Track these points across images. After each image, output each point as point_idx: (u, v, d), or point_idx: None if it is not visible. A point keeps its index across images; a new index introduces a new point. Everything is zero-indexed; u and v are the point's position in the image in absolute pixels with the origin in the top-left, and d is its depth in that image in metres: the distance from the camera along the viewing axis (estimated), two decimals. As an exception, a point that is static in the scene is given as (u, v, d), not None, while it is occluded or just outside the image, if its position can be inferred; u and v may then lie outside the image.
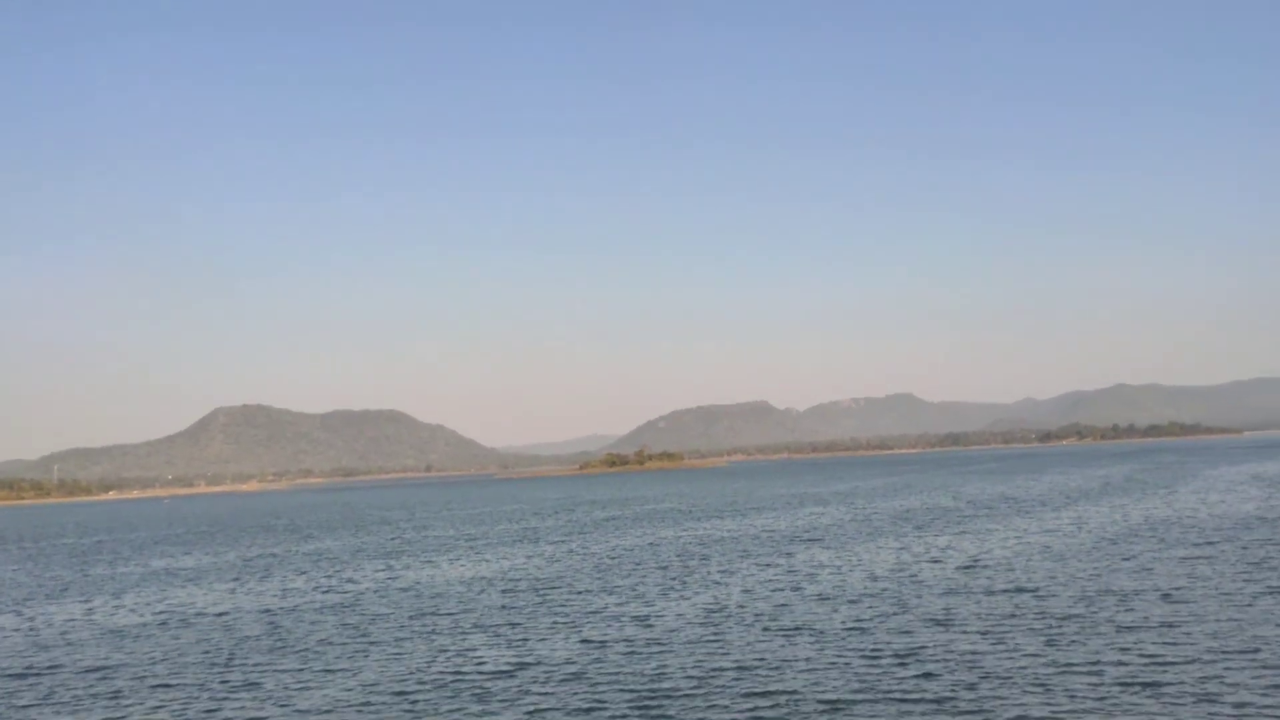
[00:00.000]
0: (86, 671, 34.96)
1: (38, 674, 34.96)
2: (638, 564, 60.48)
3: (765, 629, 36.14)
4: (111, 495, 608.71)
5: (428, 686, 29.98)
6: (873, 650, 31.39)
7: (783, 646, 32.81)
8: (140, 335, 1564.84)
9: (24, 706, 30.18)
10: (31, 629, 46.43)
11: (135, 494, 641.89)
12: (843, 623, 36.34)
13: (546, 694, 28.23)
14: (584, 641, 35.62)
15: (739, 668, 30.08)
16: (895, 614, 37.56)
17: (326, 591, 54.76)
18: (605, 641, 35.36)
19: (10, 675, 35.01)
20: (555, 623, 40.00)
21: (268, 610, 48.40)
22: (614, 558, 65.23)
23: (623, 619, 40.06)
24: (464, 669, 32.13)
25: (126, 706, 29.43)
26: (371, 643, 37.79)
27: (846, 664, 29.85)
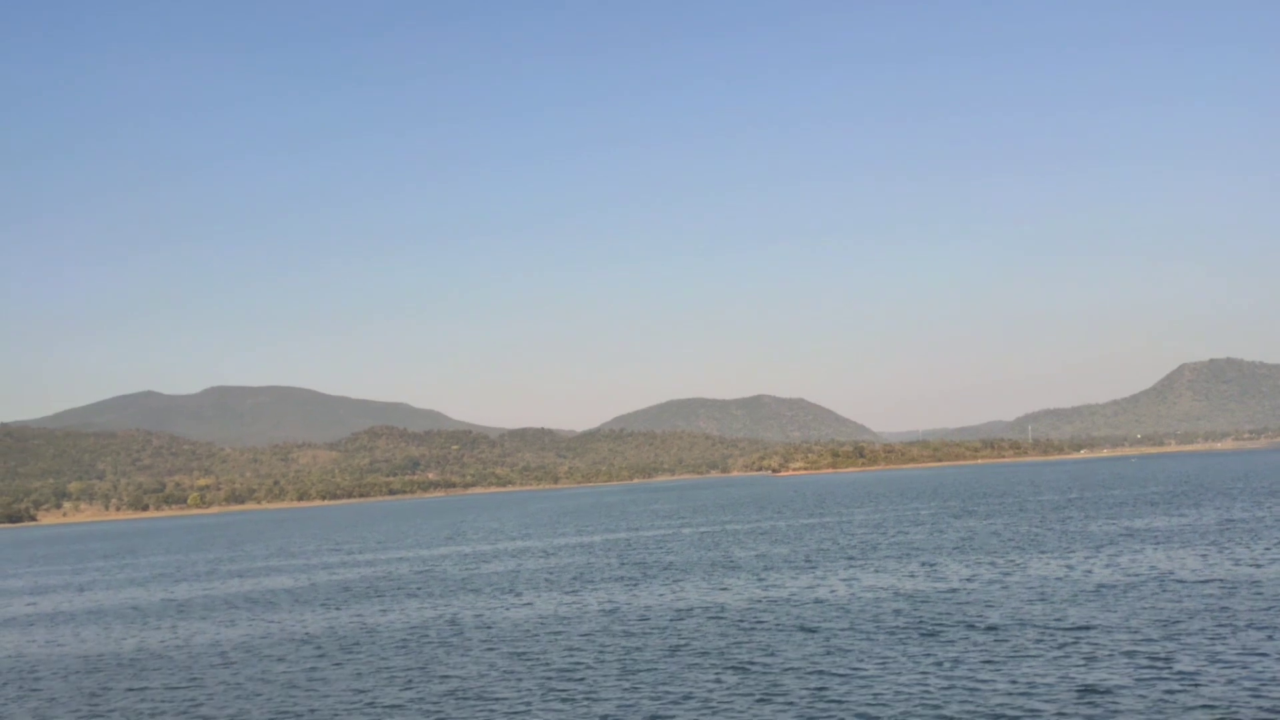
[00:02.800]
0: (1066, 629, 35.89)
1: (1005, 627, 36.97)
2: None
3: None
4: (1082, 454, 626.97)
5: None
6: None
7: None
8: (1106, 300, 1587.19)
9: (998, 661, 32.06)
10: (1006, 581, 49.42)
11: (1105, 452, 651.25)
12: None
13: None
14: None
15: None
16: None
17: (1318, 565, 48.24)
18: None
19: (984, 628, 37.62)
20: None
21: (1230, 581, 44.37)
22: None
23: None
24: None
25: (1102, 666, 29.36)
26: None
27: None
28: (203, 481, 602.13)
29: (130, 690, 36.04)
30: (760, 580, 56.42)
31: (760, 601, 47.89)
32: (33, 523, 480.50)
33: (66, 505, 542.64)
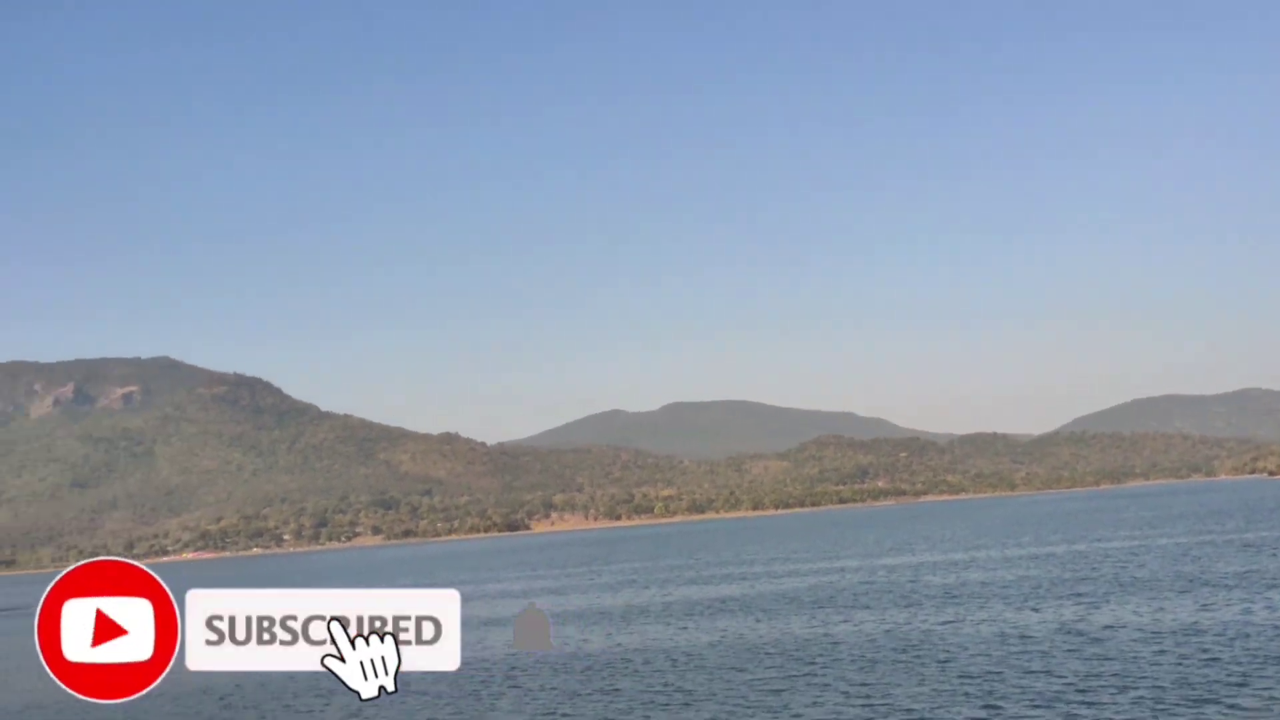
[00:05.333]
0: None
1: None
2: None
3: None
4: None
5: None
6: None
7: None
8: None
9: None
10: None
11: None
12: None
13: None
14: None
15: None
16: None
17: None
18: None
19: None
20: None
21: None
22: None
23: None
24: None
25: None
26: None
27: None
28: (666, 492, 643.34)
29: (601, 691, 39.32)
30: (1250, 600, 49.86)
31: (1249, 625, 42.32)
32: (527, 531, 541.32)
33: (553, 515, 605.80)
